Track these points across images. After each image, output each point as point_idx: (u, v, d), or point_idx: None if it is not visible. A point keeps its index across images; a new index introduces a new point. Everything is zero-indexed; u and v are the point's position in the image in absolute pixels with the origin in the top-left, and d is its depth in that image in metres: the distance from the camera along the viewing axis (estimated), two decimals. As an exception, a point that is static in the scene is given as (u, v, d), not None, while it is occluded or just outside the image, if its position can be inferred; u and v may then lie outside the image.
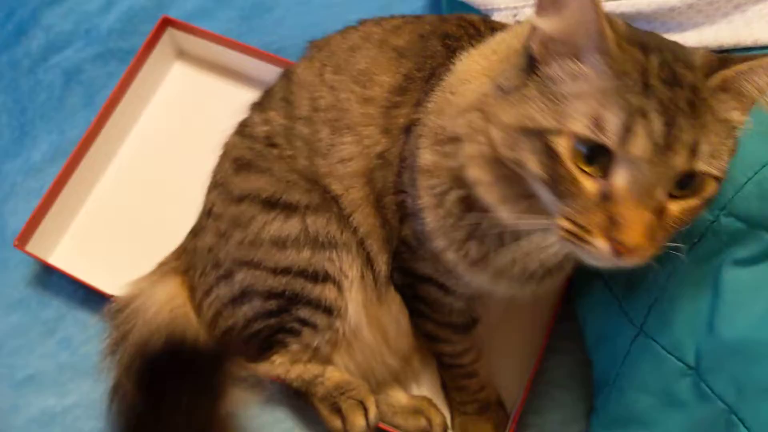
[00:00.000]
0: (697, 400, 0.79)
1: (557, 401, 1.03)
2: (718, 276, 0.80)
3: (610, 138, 0.59)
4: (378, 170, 0.87)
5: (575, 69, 0.62)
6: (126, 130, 1.21)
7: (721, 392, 0.77)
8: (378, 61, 0.89)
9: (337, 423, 0.94)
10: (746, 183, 0.77)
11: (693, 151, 0.60)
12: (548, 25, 0.63)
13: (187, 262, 0.99)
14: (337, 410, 0.94)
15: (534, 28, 0.64)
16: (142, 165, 1.20)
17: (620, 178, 0.60)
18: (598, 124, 0.59)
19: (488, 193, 0.71)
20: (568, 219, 0.62)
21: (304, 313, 0.91)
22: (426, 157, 0.80)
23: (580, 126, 0.60)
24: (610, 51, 0.60)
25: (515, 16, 1.01)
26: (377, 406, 0.95)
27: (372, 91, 0.88)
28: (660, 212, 0.61)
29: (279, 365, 0.95)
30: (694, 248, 0.81)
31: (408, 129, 0.85)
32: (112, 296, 0.98)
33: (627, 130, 0.59)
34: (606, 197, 0.61)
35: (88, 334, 1.08)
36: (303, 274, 0.89)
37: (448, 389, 1.02)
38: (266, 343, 0.95)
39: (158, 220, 1.09)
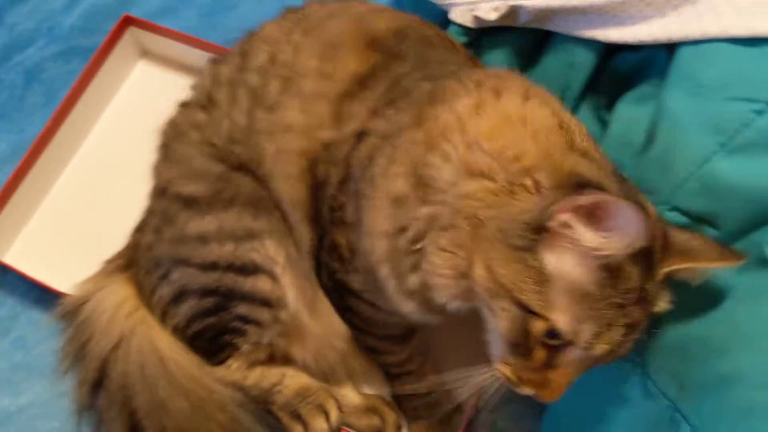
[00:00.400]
0: (643, 397, 0.78)
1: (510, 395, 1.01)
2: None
3: (581, 340, 0.66)
4: (322, 163, 0.85)
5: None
6: (86, 129, 1.20)
7: (664, 389, 0.76)
8: (350, 38, 0.86)
9: (298, 429, 0.93)
10: (688, 178, 0.77)
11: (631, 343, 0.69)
12: (590, 237, 0.64)
13: (132, 258, 0.98)
14: (297, 416, 0.93)
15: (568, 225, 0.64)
16: (102, 165, 1.19)
17: (568, 359, 0.68)
18: (576, 328, 0.65)
19: (444, 288, 0.74)
20: (506, 365, 0.70)
21: (242, 309, 0.89)
22: (398, 184, 0.76)
23: (562, 323, 0.65)
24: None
25: (472, 11, 1.00)
26: (338, 408, 0.94)
27: (333, 68, 0.85)
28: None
29: (235, 370, 0.93)
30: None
31: (360, 135, 0.82)
32: (63, 295, 0.97)
33: (595, 336, 0.66)
34: (547, 365, 0.69)
35: (43, 334, 1.07)
36: (232, 267, 0.88)
37: (399, 398, 0.99)
38: (215, 346, 0.93)
39: (116, 220, 1.07)
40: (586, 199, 0.62)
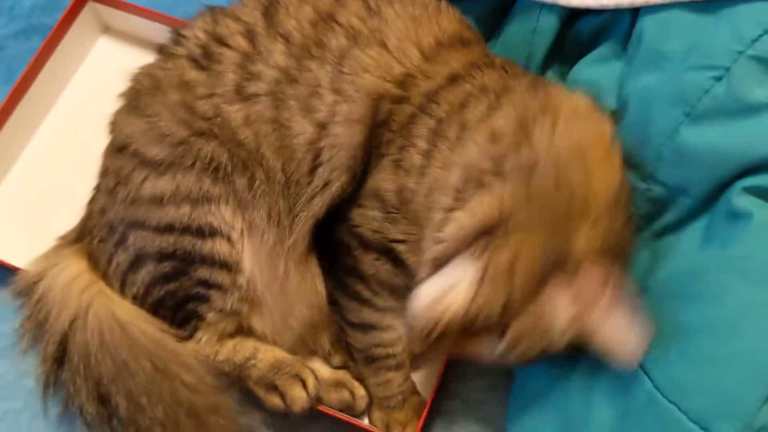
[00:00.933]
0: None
1: (479, 368, 1.01)
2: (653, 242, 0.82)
3: None
4: (388, 100, 0.84)
5: None
6: (45, 107, 1.18)
7: None
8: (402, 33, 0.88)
9: (275, 400, 0.92)
10: (663, 151, 0.79)
11: None
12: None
13: (85, 229, 0.96)
14: (274, 388, 0.92)
15: None
16: (62, 143, 1.17)
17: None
18: None
19: None
20: None
21: (202, 273, 0.88)
22: (499, 122, 0.79)
23: None
24: None
25: None
26: (315, 378, 0.93)
27: (430, 23, 0.89)
28: None
29: (206, 343, 0.92)
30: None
31: (455, 78, 0.84)
32: (20, 272, 0.96)
33: None
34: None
35: (3, 315, 1.04)
36: (188, 230, 0.86)
37: (369, 386, 0.97)
38: (180, 316, 0.92)
39: (75, 198, 1.06)
40: None
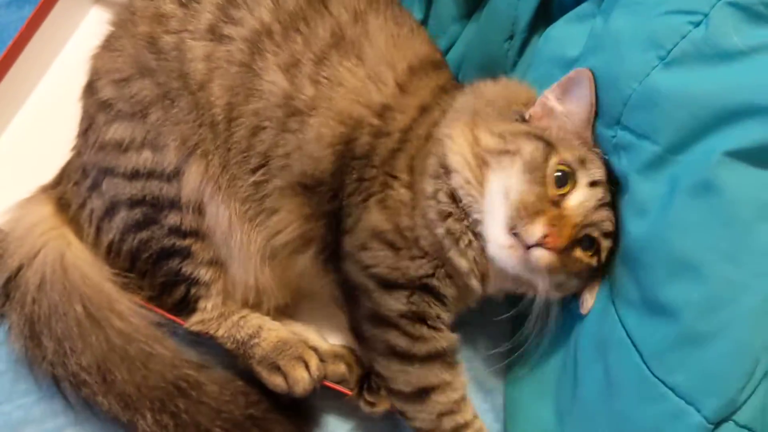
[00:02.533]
0: (605, 323, 0.81)
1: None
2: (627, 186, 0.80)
3: (582, 175, 0.79)
4: (368, 135, 0.87)
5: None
6: (35, 77, 1.19)
7: (623, 318, 0.78)
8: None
9: (278, 381, 0.91)
10: (631, 94, 0.77)
11: (607, 229, 0.81)
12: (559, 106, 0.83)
13: (63, 173, 0.97)
14: (277, 368, 0.91)
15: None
16: (52, 115, 1.16)
17: (573, 200, 0.79)
18: (581, 162, 0.80)
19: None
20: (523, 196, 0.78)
21: (173, 218, 0.88)
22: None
23: (569, 157, 0.80)
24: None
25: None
26: (319, 359, 0.92)
27: (405, 44, 0.92)
28: (573, 244, 0.79)
29: (212, 309, 0.92)
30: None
31: (424, 110, 0.89)
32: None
33: (594, 183, 0.80)
34: (557, 204, 0.78)
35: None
36: (153, 174, 0.87)
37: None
38: (169, 281, 0.91)
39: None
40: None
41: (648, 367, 0.72)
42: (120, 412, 0.88)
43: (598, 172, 0.80)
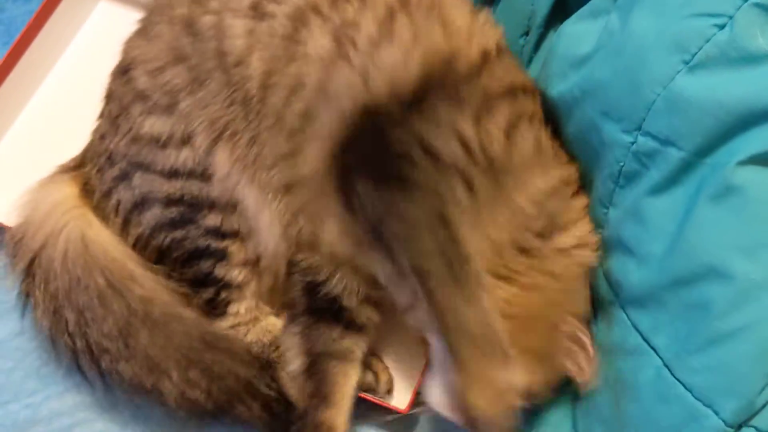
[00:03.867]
0: (618, 331, 0.81)
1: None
2: (640, 208, 0.79)
3: None
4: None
5: None
6: (43, 71, 1.17)
7: (636, 322, 0.78)
8: None
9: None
10: (656, 99, 0.76)
11: None
12: None
13: (86, 156, 0.96)
14: None
15: None
16: (60, 107, 1.15)
17: None
18: None
19: None
20: None
21: (211, 219, 0.87)
22: None
23: None
24: None
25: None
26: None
27: None
28: None
29: (245, 313, 0.91)
30: (620, 176, 0.81)
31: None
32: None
33: None
34: None
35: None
36: (194, 174, 0.86)
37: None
38: (199, 279, 0.90)
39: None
40: None
41: (669, 369, 0.72)
42: (144, 376, 0.87)
43: None
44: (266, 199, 0.88)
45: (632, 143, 0.78)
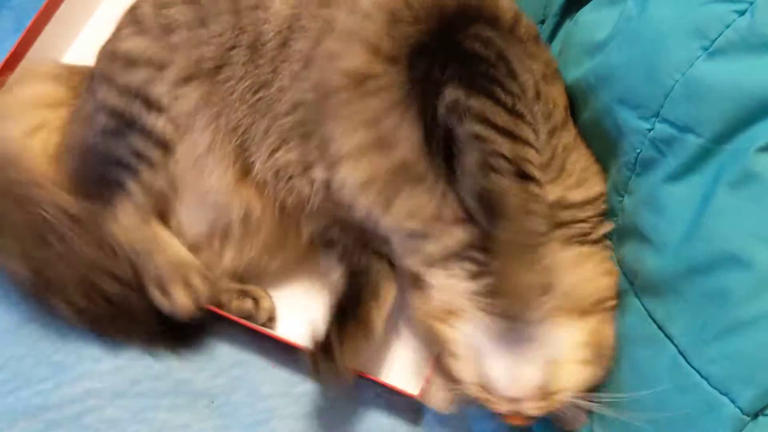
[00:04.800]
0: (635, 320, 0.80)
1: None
2: (656, 195, 0.78)
3: None
4: None
5: None
6: (55, 57, 1.16)
7: (652, 311, 0.78)
8: None
9: (162, 298, 0.92)
10: (674, 86, 0.75)
11: None
12: None
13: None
14: (163, 288, 0.93)
15: None
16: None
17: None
18: None
19: None
20: None
21: (138, 143, 0.89)
22: None
23: None
24: None
25: None
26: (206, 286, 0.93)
27: None
28: None
29: (124, 216, 0.92)
30: (636, 164, 0.81)
31: None
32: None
33: None
34: None
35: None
36: (143, 99, 0.89)
37: None
38: (103, 181, 0.92)
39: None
40: None
41: (685, 358, 0.72)
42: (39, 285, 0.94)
43: None
44: (216, 147, 0.90)
45: (649, 130, 0.78)
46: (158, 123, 0.89)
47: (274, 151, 0.89)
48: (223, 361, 1.00)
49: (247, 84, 0.89)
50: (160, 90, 0.89)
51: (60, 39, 1.16)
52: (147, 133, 0.89)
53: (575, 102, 0.90)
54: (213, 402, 0.99)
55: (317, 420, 0.97)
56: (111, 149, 0.91)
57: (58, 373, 0.99)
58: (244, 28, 0.89)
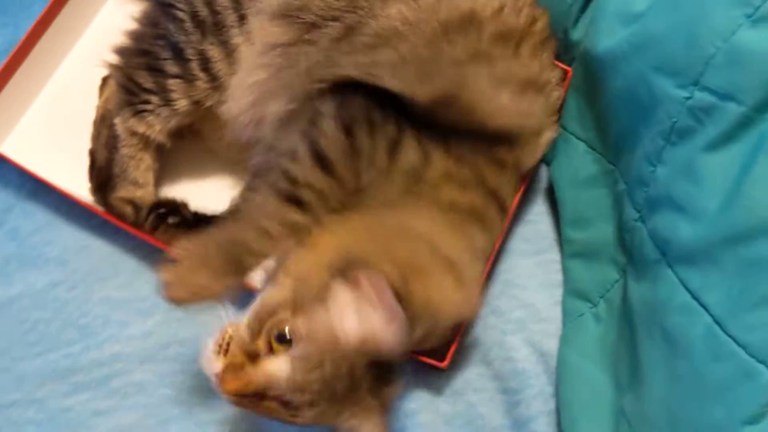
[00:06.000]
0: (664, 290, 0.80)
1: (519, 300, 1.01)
2: (694, 164, 0.78)
3: (295, 347, 0.74)
4: None
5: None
6: (85, 21, 1.16)
7: (685, 280, 0.77)
8: None
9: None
10: (715, 54, 0.75)
11: (310, 403, 0.75)
12: None
13: None
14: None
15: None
16: (102, 58, 1.13)
17: (269, 364, 0.74)
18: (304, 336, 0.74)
19: None
20: (230, 331, 0.77)
21: (189, 52, 0.92)
22: None
23: (300, 326, 0.74)
24: None
25: None
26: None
27: None
28: (261, 397, 0.76)
29: (148, 126, 0.96)
30: (672, 133, 0.80)
31: None
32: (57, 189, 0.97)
33: (305, 359, 0.73)
34: (254, 357, 0.75)
35: (36, 225, 1.05)
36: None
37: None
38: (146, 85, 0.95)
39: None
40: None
41: (721, 327, 0.71)
42: None
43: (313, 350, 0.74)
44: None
45: (687, 98, 0.77)
46: (212, 51, 0.92)
47: None
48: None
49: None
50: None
51: (89, 4, 1.16)
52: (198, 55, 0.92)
53: (605, 72, 0.89)
54: (240, 368, 0.99)
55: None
56: (157, 50, 0.94)
57: (86, 336, 1.00)
58: (358, 7, 0.88)
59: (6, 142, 1.09)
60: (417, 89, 0.85)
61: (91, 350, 0.99)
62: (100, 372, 0.98)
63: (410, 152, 0.83)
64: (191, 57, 0.92)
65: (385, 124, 0.84)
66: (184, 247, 0.83)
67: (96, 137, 1.00)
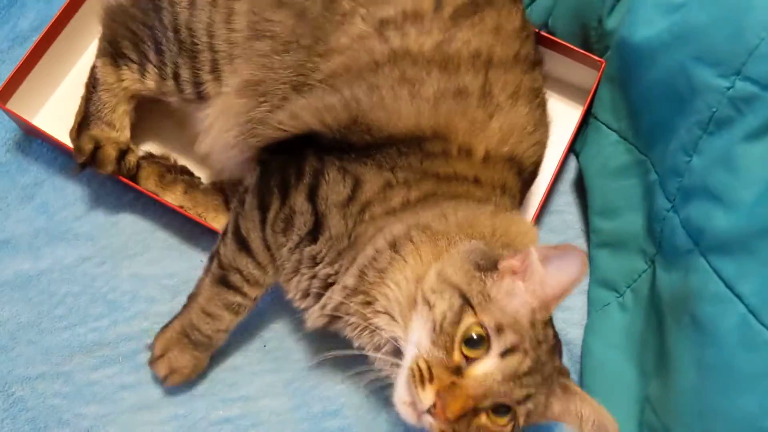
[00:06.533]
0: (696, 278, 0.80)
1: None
2: (732, 154, 0.78)
3: (496, 346, 0.72)
4: None
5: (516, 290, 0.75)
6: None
7: (719, 269, 0.77)
8: None
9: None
10: (759, 44, 0.75)
11: (526, 396, 0.73)
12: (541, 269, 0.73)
13: None
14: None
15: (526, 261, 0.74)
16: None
17: (479, 369, 0.72)
18: (498, 330, 0.72)
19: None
20: (423, 359, 0.73)
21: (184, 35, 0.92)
22: None
23: (487, 321, 0.73)
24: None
25: None
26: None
27: None
28: (475, 413, 0.73)
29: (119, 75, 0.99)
30: (710, 123, 0.80)
31: None
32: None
33: (509, 350, 0.72)
34: (458, 371, 0.72)
35: (66, 201, 1.05)
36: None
37: (193, 308, 0.94)
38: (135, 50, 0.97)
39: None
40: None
41: (755, 317, 0.72)
42: None
43: (513, 339, 0.73)
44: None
45: (728, 88, 0.77)
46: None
47: None
48: (276, 306, 1.00)
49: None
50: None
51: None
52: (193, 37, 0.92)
53: (641, 61, 0.89)
54: (265, 346, 1.00)
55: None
56: (153, 23, 0.95)
57: (114, 311, 1.00)
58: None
59: (39, 115, 1.09)
60: (328, 119, 0.86)
61: (119, 325, 1.00)
62: (127, 346, 0.99)
63: (335, 186, 0.84)
64: (167, 62, 0.94)
65: (300, 178, 0.86)
66: (162, 343, 0.94)
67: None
